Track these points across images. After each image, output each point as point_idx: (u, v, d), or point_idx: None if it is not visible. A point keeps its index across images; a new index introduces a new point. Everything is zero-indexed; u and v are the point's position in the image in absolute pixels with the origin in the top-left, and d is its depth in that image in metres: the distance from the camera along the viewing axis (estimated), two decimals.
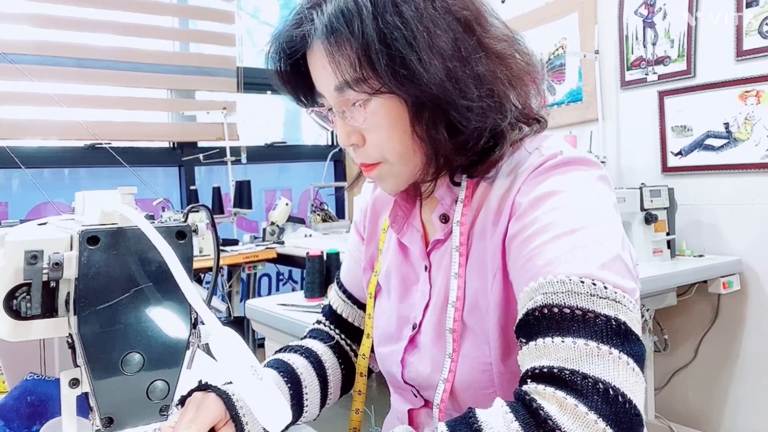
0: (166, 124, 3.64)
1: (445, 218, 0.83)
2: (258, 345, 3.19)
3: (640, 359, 0.62)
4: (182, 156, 3.57)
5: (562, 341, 0.61)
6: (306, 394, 0.92)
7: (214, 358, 0.56)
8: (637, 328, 0.64)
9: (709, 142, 2.52)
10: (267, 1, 4.16)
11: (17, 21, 3.06)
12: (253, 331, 2.65)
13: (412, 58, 0.69)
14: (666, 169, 2.67)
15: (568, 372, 0.59)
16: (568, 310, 0.63)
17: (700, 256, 2.47)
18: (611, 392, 0.58)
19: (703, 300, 2.56)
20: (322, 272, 1.99)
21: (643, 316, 2.26)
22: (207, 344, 0.59)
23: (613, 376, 0.59)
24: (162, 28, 3.56)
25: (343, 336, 1.03)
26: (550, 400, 0.59)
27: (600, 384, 0.58)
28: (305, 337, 1.04)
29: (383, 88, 0.72)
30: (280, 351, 0.98)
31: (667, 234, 2.41)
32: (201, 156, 3.49)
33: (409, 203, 0.90)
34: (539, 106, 0.83)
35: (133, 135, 3.42)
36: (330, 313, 1.05)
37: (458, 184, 0.81)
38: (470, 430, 0.60)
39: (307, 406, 0.92)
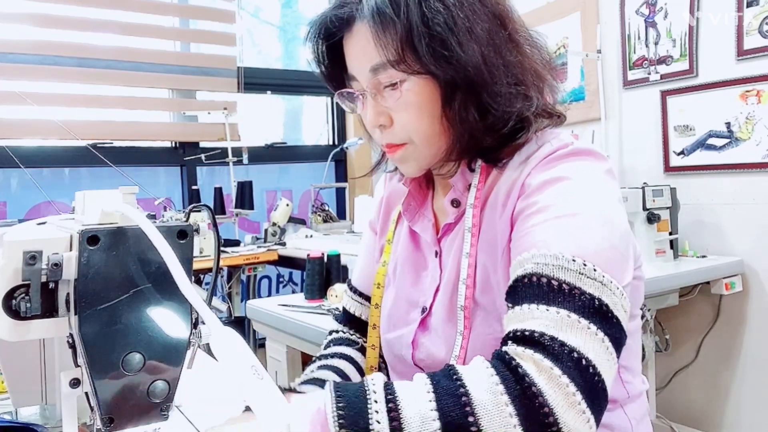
0: (167, 123, 3.64)
1: (456, 203, 0.86)
2: (259, 345, 3.18)
3: (616, 342, 0.65)
4: (184, 156, 3.56)
5: (547, 309, 0.65)
6: None
7: (214, 357, 0.56)
8: (620, 313, 0.66)
9: (711, 141, 2.51)
10: (268, 0, 4.16)
11: (17, 20, 3.06)
12: (254, 331, 2.64)
13: (452, 41, 0.75)
14: (668, 168, 2.66)
15: (548, 337, 0.62)
16: (555, 282, 0.66)
17: (703, 256, 2.46)
18: (584, 362, 0.61)
19: (705, 300, 2.55)
20: (322, 274, 1.98)
21: (644, 316, 2.26)
22: (208, 344, 0.59)
23: (588, 349, 0.62)
24: (163, 28, 3.56)
25: (363, 338, 1.04)
26: (527, 360, 0.62)
27: (575, 353, 0.61)
28: (328, 345, 1.05)
29: (421, 69, 0.77)
30: (316, 359, 1.00)
31: (670, 234, 2.41)
32: (203, 156, 3.49)
33: (421, 193, 0.95)
34: (554, 102, 0.88)
35: (135, 135, 3.42)
36: (344, 318, 1.07)
37: (473, 171, 0.85)
38: (450, 380, 0.62)
39: None
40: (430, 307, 0.88)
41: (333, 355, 0.99)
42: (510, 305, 0.69)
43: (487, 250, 0.81)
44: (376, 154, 0.95)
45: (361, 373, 0.98)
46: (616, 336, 0.65)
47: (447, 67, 0.76)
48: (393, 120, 0.82)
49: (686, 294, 2.48)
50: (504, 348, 0.65)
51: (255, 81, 3.76)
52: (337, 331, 1.07)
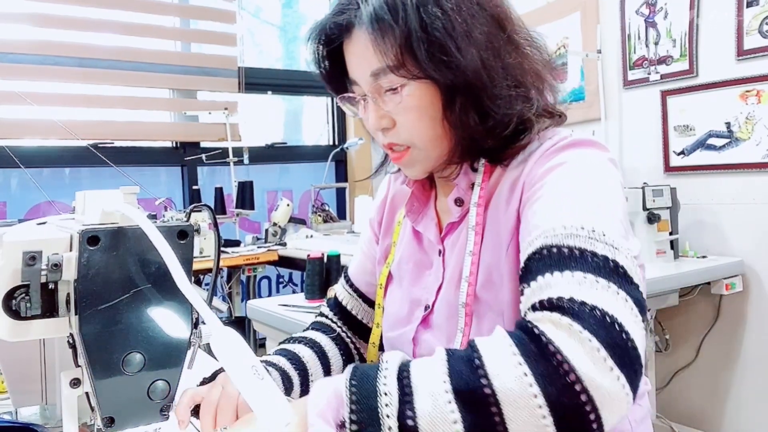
0: (168, 123, 3.64)
1: (459, 202, 0.87)
2: (259, 345, 3.19)
3: (639, 304, 0.61)
4: (185, 156, 3.56)
5: (561, 275, 0.62)
6: (312, 383, 0.94)
7: (215, 357, 0.56)
8: (636, 278, 0.64)
9: (711, 141, 2.51)
10: (268, 1, 4.16)
11: (18, 20, 3.06)
12: (254, 331, 2.64)
13: (451, 46, 0.76)
14: (668, 168, 2.66)
15: (566, 300, 0.59)
16: (566, 249, 0.64)
17: (703, 257, 2.46)
18: (608, 319, 0.57)
19: (705, 300, 2.55)
20: (321, 274, 1.98)
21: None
22: (208, 344, 0.59)
23: (610, 306, 0.58)
24: (163, 28, 3.56)
25: (344, 328, 1.06)
26: (545, 322, 0.59)
27: (596, 310, 0.58)
28: (308, 328, 1.07)
29: (420, 74, 0.77)
30: (285, 342, 1.02)
31: (670, 233, 2.41)
32: (204, 156, 3.49)
33: (424, 194, 0.96)
34: (554, 102, 0.88)
35: (136, 135, 3.42)
36: (335, 305, 1.09)
37: (476, 170, 0.86)
38: (466, 350, 0.61)
39: None
40: (433, 305, 0.89)
41: (299, 340, 1.01)
42: (525, 286, 0.67)
43: (491, 248, 0.81)
44: (378, 156, 0.96)
45: (322, 357, 0.98)
46: (638, 298, 0.61)
47: (446, 71, 0.76)
48: (395, 123, 0.83)
49: (686, 294, 2.48)
50: (523, 317, 0.64)
51: (256, 81, 3.75)
52: (322, 315, 1.10)
